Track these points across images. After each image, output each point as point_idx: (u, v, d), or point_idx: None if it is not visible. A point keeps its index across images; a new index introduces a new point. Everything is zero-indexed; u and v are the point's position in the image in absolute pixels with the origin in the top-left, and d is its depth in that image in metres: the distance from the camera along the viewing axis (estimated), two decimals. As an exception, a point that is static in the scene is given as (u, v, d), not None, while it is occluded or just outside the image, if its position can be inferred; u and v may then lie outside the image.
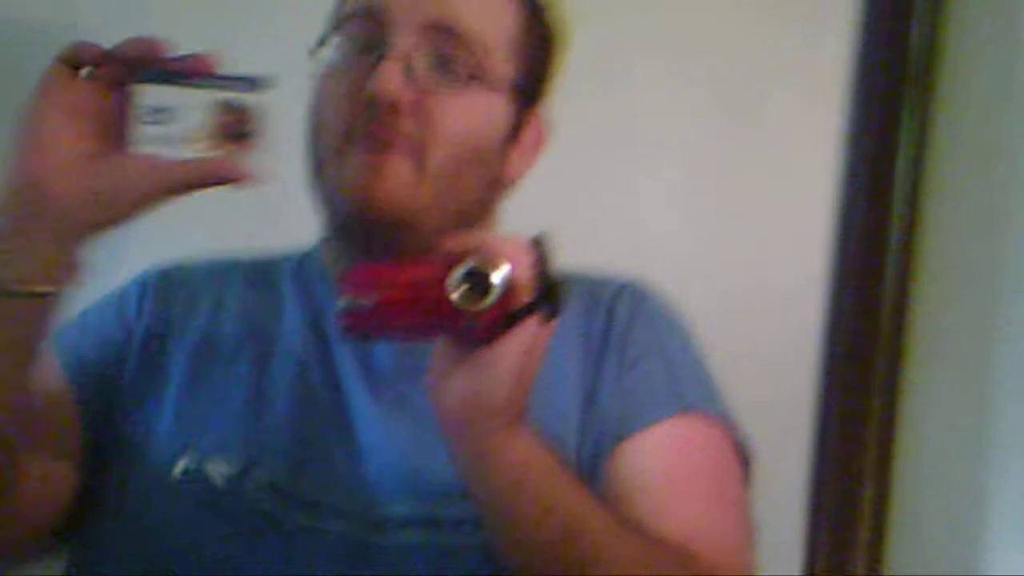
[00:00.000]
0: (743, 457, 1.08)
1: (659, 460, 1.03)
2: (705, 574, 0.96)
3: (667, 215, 1.62)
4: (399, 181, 1.00)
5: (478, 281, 0.84)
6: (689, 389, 1.07)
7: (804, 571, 1.65)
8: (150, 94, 0.89)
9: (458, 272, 0.85)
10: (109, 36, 0.92)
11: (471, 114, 1.04)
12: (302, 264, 1.13)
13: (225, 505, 0.99)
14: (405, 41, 1.00)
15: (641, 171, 1.61)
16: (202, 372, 1.05)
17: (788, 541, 1.65)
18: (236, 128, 0.89)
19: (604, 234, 1.54)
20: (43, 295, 0.89)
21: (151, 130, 0.88)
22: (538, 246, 0.87)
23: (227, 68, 0.91)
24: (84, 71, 0.90)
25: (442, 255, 0.86)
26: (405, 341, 0.97)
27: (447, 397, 0.87)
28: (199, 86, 0.89)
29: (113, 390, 1.06)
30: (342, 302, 0.87)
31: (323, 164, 1.04)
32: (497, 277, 0.84)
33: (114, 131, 0.89)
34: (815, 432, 1.67)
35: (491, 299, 0.84)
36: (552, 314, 0.86)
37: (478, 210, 1.07)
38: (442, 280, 0.85)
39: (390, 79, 0.99)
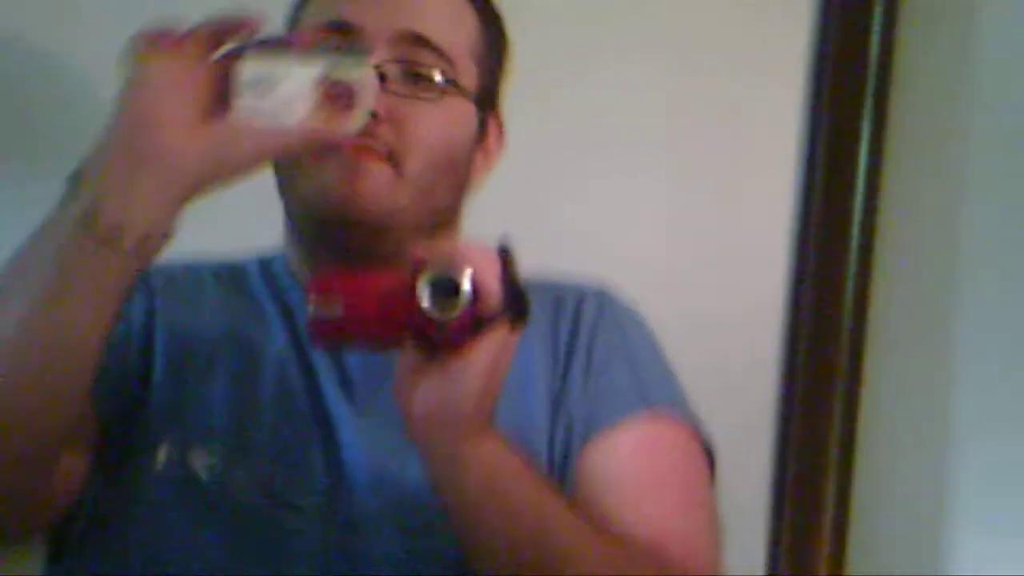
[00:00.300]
0: (708, 457, 1.10)
1: (626, 461, 1.04)
2: (674, 574, 0.97)
3: (628, 217, 1.62)
4: (379, 184, 1.02)
5: (446, 289, 0.85)
6: (654, 391, 1.08)
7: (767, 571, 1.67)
8: (253, 64, 0.90)
9: (426, 279, 0.85)
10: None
11: (444, 123, 1.06)
12: (266, 268, 1.13)
13: (208, 497, 1.00)
14: (378, 52, 1.01)
15: (600, 174, 1.61)
16: (183, 370, 1.05)
17: (752, 542, 1.66)
18: (337, 98, 0.91)
19: (564, 239, 1.54)
20: (137, 250, 0.87)
21: (254, 98, 0.90)
22: (504, 253, 0.88)
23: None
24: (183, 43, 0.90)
25: (410, 263, 0.87)
26: (373, 350, 0.97)
27: (415, 405, 0.88)
28: (301, 58, 0.91)
29: (116, 382, 1.04)
30: (310, 310, 0.87)
31: (296, 169, 1.04)
32: (465, 284, 0.85)
33: (216, 100, 0.90)
34: (777, 431, 1.68)
35: (459, 307, 0.85)
36: (519, 321, 0.87)
37: (450, 215, 1.10)
38: (411, 288, 0.85)
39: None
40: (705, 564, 1.02)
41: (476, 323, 0.85)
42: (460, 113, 1.08)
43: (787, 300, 1.66)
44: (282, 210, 1.10)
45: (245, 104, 0.90)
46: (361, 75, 0.91)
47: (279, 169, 1.06)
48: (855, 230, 1.64)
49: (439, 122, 1.05)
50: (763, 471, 1.66)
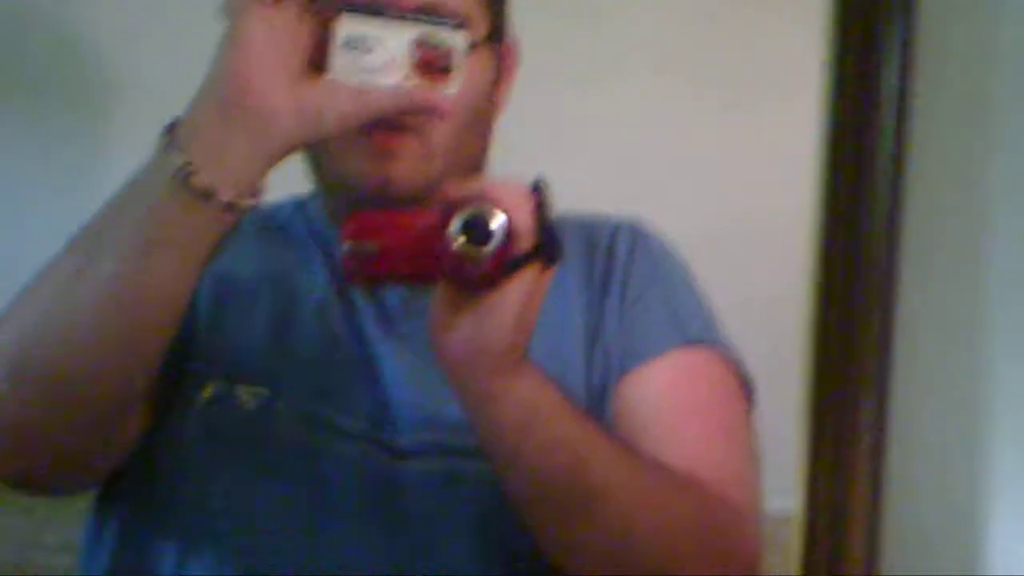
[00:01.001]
0: (746, 388, 1.10)
1: (664, 392, 1.05)
2: (713, 502, 0.98)
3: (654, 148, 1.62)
4: (409, 163, 1.02)
5: (479, 228, 0.85)
6: (690, 322, 1.09)
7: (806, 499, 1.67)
8: (350, 24, 0.90)
9: (459, 219, 0.85)
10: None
11: (466, 84, 1.02)
12: (302, 209, 1.14)
13: (254, 427, 1.01)
14: None
15: (628, 103, 1.61)
16: (225, 307, 1.06)
17: (786, 471, 1.67)
18: (434, 62, 0.91)
19: (594, 175, 1.55)
20: (230, 206, 0.87)
21: (350, 58, 0.90)
22: (537, 192, 0.88)
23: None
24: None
25: (443, 202, 0.87)
26: (407, 286, 0.98)
27: (448, 342, 0.88)
28: (400, 19, 0.91)
29: None
30: (345, 247, 0.88)
31: (324, 155, 1.04)
32: (497, 224, 0.85)
33: (314, 57, 0.90)
34: (811, 361, 1.68)
35: (492, 246, 0.85)
36: (552, 260, 0.87)
37: (480, 159, 1.10)
38: (443, 227, 0.86)
39: None
40: (744, 493, 1.02)
41: (509, 261, 0.86)
42: (479, 65, 1.05)
43: (818, 228, 1.67)
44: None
45: (342, 63, 0.90)
46: (457, 40, 0.92)
47: (309, 155, 1.06)
48: (880, 169, 1.63)
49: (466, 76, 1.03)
50: (795, 399, 1.68)
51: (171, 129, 0.88)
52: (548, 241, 0.86)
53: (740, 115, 1.64)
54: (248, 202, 0.88)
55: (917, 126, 1.62)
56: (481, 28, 1.06)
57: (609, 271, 1.09)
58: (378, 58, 0.90)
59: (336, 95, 0.89)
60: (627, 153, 1.61)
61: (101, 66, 1.53)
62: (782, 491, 1.64)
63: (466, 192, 0.87)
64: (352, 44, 0.90)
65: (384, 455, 1.01)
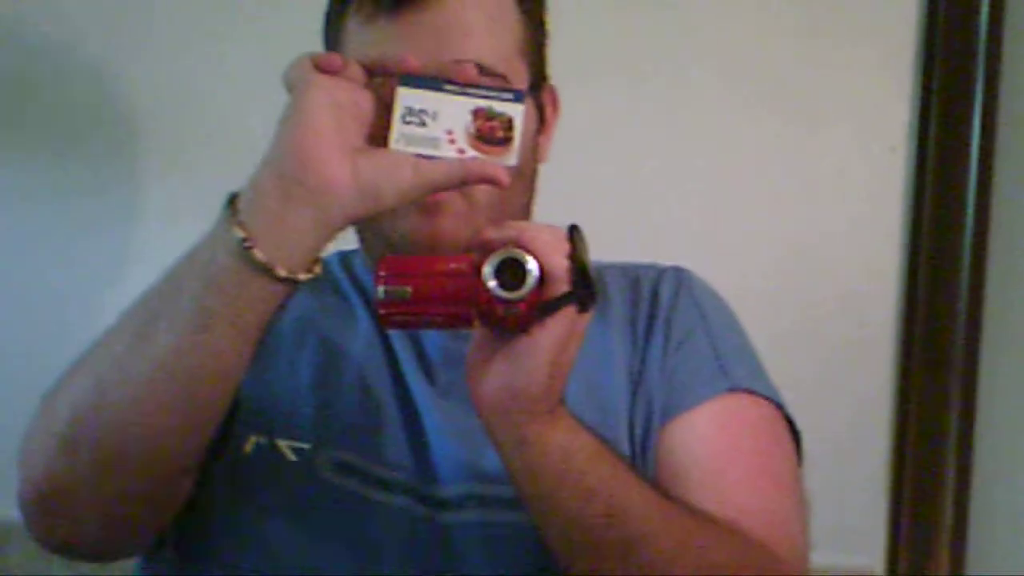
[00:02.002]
0: (793, 434, 1.08)
1: (707, 439, 1.03)
2: (755, 550, 0.96)
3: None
4: (455, 219, 1.01)
5: (514, 270, 0.84)
6: (734, 368, 1.07)
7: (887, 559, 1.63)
8: (409, 97, 0.91)
9: (491, 263, 0.85)
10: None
11: None
12: (347, 261, 1.14)
13: (296, 480, 1.01)
14: None
15: (683, 159, 1.61)
16: (268, 357, 1.04)
17: (871, 526, 1.64)
18: (492, 133, 0.91)
19: (650, 229, 1.55)
20: (288, 280, 0.87)
21: (409, 130, 0.91)
22: (574, 235, 0.87)
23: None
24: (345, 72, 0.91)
25: (478, 244, 0.87)
26: (442, 330, 0.97)
27: (484, 386, 0.88)
28: (458, 91, 0.92)
29: None
30: (379, 292, 0.88)
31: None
32: (532, 266, 0.85)
33: (373, 130, 0.91)
34: (895, 421, 1.65)
35: (525, 290, 0.84)
36: (588, 303, 0.86)
37: (525, 210, 1.09)
38: (478, 269, 0.85)
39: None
40: (789, 542, 0.99)
41: (544, 305, 0.85)
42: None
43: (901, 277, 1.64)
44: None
45: (400, 135, 0.90)
46: (516, 111, 0.92)
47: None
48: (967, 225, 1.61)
49: None
50: (881, 459, 1.64)
51: (231, 202, 0.88)
52: (583, 285, 0.85)
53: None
54: (305, 276, 0.88)
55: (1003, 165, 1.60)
56: (519, 78, 1.05)
57: (653, 316, 1.08)
58: (437, 130, 0.91)
59: (395, 168, 0.88)
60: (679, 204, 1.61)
61: (142, 117, 1.58)
62: (864, 552, 1.61)
63: (500, 235, 0.87)
64: (411, 116, 0.91)
65: (426, 506, 1.01)
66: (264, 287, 0.87)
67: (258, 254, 0.86)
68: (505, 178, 0.90)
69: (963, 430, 1.62)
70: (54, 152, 1.57)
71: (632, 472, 0.94)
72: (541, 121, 1.10)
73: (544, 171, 1.11)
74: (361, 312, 1.09)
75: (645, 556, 0.91)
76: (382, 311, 0.88)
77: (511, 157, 0.91)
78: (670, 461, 1.02)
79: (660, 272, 1.13)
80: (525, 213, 1.10)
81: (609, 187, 1.56)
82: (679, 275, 1.12)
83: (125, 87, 1.55)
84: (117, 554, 1.04)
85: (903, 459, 1.64)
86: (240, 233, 0.86)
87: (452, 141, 0.91)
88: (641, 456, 1.03)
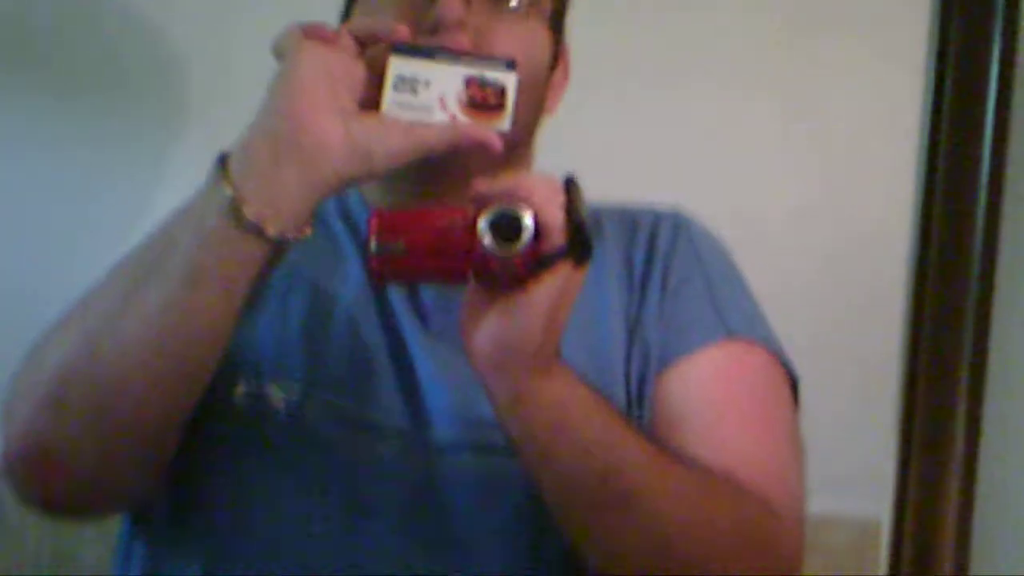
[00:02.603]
0: (790, 383, 1.07)
1: (704, 387, 1.03)
2: (751, 502, 0.95)
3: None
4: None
5: (509, 225, 0.84)
6: (732, 315, 1.06)
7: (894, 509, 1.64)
8: (401, 64, 0.92)
9: (486, 217, 0.84)
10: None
11: (526, 42, 1.03)
12: (342, 202, 1.13)
13: (285, 427, 1.00)
14: None
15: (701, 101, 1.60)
16: (257, 309, 1.04)
17: (878, 475, 1.65)
18: (485, 100, 0.92)
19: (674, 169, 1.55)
20: (278, 240, 0.88)
21: (400, 97, 0.91)
22: (570, 187, 0.86)
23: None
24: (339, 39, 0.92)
25: (472, 199, 0.86)
26: (435, 284, 0.97)
27: (478, 341, 0.88)
28: (450, 60, 0.92)
29: None
30: (372, 246, 0.87)
31: None
32: (528, 221, 0.84)
33: (365, 97, 0.91)
34: (905, 370, 1.65)
35: (521, 243, 0.84)
36: (583, 258, 0.85)
37: (526, 138, 1.07)
38: (472, 224, 0.85)
39: (452, 5, 0.97)
40: (784, 491, 0.99)
41: (539, 260, 0.84)
42: (539, 35, 1.05)
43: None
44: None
45: (392, 102, 0.91)
46: (508, 80, 0.93)
47: None
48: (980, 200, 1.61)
49: (521, 40, 1.02)
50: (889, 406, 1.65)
51: (222, 161, 0.89)
52: (579, 239, 0.84)
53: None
54: (294, 236, 0.88)
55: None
56: (546, 6, 1.05)
57: (650, 261, 1.07)
58: (429, 97, 0.91)
59: (387, 131, 0.89)
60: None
61: (174, 68, 1.59)
62: (873, 497, 1.62)
63: (495, 188, 0.86)
64: (403, 83, 0.91)
65: (420, 452, 1.00)
66: (253, 246, 0.88)
67: (248, 212, 0.87)
68: (497, 143, 0.90)
69: (974, 381, 1.62)
70: (81, 100, 1.58)
71: (628, 426, 0.94)
72: (554, 63, 1.09)
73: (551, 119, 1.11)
74: (352, 255, 1.08)
75: (641, 510, 0.91)
76: (374, 265, 0.88)
77: (504, 123, 0.92)
78: (666, 409, 1.02)
79: (658, 216, 1.11)
80: (527, 142, 1.08)
81: (611, 132, 1.56)
82: (677, 220, 1.11)
83: (158, 37, 1.56)
84: (100, 512, 1.05)
85: (912, 409, 1.63)
86: (230, 191, 0.87)
87: (444, 107, 0.91)
88: (637, 404, 1.03)
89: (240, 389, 1.01)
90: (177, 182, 1.52)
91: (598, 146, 1.51)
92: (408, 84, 0.91)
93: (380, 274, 0.89)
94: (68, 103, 1.59)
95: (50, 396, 0.91)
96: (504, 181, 0.86)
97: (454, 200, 0.90)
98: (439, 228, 0.87)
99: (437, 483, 0.99)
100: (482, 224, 0.84)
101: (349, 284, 1.06)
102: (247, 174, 0.87)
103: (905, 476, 1.63)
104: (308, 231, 0.89)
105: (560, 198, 0.85)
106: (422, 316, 1.05)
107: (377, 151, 0.88)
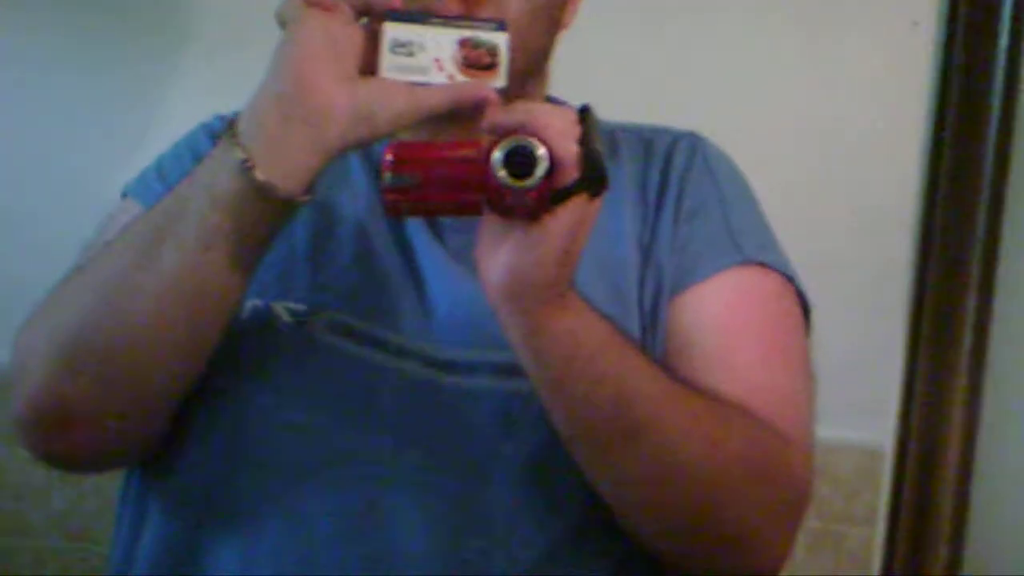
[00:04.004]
0: (803, 307, 1.06)
1: (718, 314, 1.02)
2: (762, 430, 0.95)
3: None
4: None
5: (524, 158, 0.83)
6: (748, 240, 1.05)
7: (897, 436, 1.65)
8: (395, 30, 0.93)
9: (501, 150, 0.84)
10: None
11: None
12: None
13: (293, 342, 1.00)
14: None
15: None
16: None
17: (883, 402, 1.65)
18: (479, 60, 0.94)
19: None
20: (287, 201, 0.90)
21: (399, 60, 0.93)
22: (585, 119, 0.86)
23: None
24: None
25: (488, 128, 0.86)
26: (450, 216, 0.97)
27: (493, 272, 0.87)
28: (442, 24, 0.94)
29: None
30: (386, 178, 0.87)
31: None
32: (542, 153, 0.83)
33: (364, 64, 0.92)
34: (912, 297, 1.65)
35: (537, 176, 0.83)
36: (598, 191, 0.84)
37: (542, 58, 1.07)
38: (487, 156, 0.84)
39: None
40: (796, 420, 0.98)
41: (553, 193, 0.84)
42: None
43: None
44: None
45: (392, 64, 0.92)
46: (499, 39, 0.94)
47: None
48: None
49: None
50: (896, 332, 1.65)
51: (232, 124, 0.90)
52: (594, 172, 0.83)
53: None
54: (303, 198, 0.90)
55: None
56: None
57: (665, 183, 1.06)
58: (424, 59, 0.93)
59: (389, 93, 0.90)
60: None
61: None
62: (878, 426, 1.63)
63: (510, 118, 0.85)
64: (399, 48, 0.93)
65: (432, 370, 0.99)
66: (264, 207, 0.89)
67: (258, 174, 0.88)
68: (496, 100, 0.90)
69: (981, 309, 1.62)
70: (92, 22, 1.59)
71: (642, 356, 0.94)
72: None
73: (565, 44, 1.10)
74: (359, 169, 1.08)
75: (653, 440, 0.91)
76: (389, 198, 0.88)
77: (500, 80, 0.93)
78: (680, 336, 1.01)
79: (675, 137, 1.10)
80: (545, 60, 1.07)
81: (632, 52, 1.55)
82: (694, 141, 1.10)
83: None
84: (116, 464, 1.05)
85: (919, 336, 1.64)
86: (241, 154, 0.88)
87: (441, 68, 0.93)
88: (651, 329, 1.02)
89: (248, 307, 1.00)
90: (171, 112, 1.56)
91: (618, 66, 1.50)
92: (404, 48, 0.93)
93: (395, 207, 0.89)
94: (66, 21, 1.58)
95: (65, 355, 0.93)
96: (518, 110, 0.86)
97: (469, 131, 0.90)
98: (454, 160, 0.88)
99: (450, 402, 0.98)
100: (497, 157, 0.84)
101: (358, 201, 1.06)
102: (256, 137, 0.89)
103: (909, 405, 1.63)
104: (314, 195, 0.91)
105: (575, 130, 0.85)
106: (439, 234, 1.04)
107: (380, 114, 0.89)
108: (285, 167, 0.89)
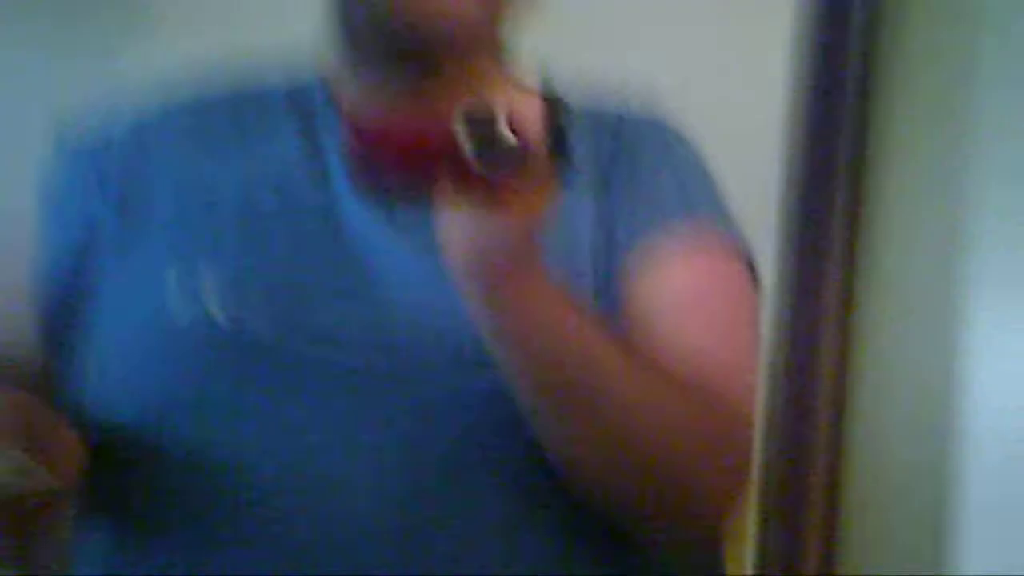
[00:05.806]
0: (752, 274, 1.08)
1: (670, 278, 1.02)
2: (713, 403, 0.97)
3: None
4: None
5: (488, 137, 0.82)
6: (699, 201, 1.07)
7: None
8: None
9: (463, 117, 0.83)
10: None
11: None
12: (296, 96, 1.08)
13: (224, 340, 0.97)
14: None
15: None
16: (189, 214, 1.02)
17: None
18: None
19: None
20: None
21: None
22: (550, 97, 0.85)
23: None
24: None
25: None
26: (413, 190, 0.93)
27: (453, 244, 0.87)
28: None
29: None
30: (346, 154, 0.86)
31: None
32: (505, 130, 0.82)
33: None
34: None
35: (500, 155, 0.82)
36: (562, 162, 0.85)
37: (485, 32, 1.03)
38: (451, 135, 0.83)
39: None
40: (744, 393, 1.02)
41: (516, 164, 0.83)
42: None
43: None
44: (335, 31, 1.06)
45: None
46: None
47: None
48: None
49: None
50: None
51: None
52: (558, 149, 0.84)
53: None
54: None
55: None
56: None
57: (616, 152, 1.06)
58: None
59: None
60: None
61: None
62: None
63: (475, 102, 0.83)
64: None
65: (384, 364, 0.96)
66: None
67: None
68: None
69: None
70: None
71: (598, 326, 0.94)
72: None
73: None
74: (293, 134, 1.05)
75: (608, 407, 0.92)
76: (351, 171, 0.87)
77: None
78: (633, 302, 1.01)
79: (630, 110, 1.10)
80: (511, 23, 1.05)
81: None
82: (651, 115, 1.11)
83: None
84: None
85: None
86: None
87: None
88: (604, 290, 1.02)
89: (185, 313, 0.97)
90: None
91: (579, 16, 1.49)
92: None
93: (358, 179, 0.89)
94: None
95: None
96: (484, 96, 0.86)
97: (426, 92, 0.94)
98: (416, 130, 0.87)
99: (402, 383, 0.96)
100: (461, 134, 0.83)
101: (287, 185, 1.03)
102: None
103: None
104: None
105: (539, 107, 0.84)
106: (388, 211, 1.02)
107: None
108: None
